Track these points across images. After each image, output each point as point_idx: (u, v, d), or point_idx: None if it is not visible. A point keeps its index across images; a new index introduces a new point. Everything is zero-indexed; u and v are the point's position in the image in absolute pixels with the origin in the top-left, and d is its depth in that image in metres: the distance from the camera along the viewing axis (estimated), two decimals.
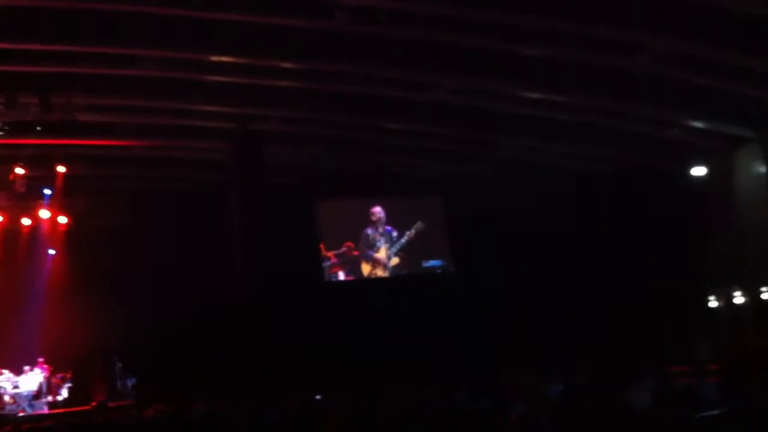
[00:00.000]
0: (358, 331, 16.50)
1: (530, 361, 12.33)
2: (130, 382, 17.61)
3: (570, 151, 18.42)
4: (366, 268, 18.72)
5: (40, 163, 17.04)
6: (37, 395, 17.00)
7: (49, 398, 17.10)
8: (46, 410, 16.64)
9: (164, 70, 14.52)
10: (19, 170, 16.89)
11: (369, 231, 18.77)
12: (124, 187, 18.91)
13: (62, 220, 18.50)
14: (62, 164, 17.17)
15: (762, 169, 16.90)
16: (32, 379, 17.12)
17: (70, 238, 18.80)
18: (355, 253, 18.70)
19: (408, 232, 18.62)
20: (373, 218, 18.75)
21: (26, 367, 17.15)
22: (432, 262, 18.96)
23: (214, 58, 14.41)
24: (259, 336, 15.54)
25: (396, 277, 18.54)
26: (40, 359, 17.34)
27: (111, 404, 16.05)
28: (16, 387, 16.86)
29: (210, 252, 16.57)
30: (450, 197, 18.90)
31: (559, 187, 17.90)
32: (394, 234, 18.72)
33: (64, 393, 17.34)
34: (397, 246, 18.69)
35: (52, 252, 19.08)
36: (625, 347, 14.55)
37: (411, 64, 14.52)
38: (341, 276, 18.74)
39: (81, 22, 12.76)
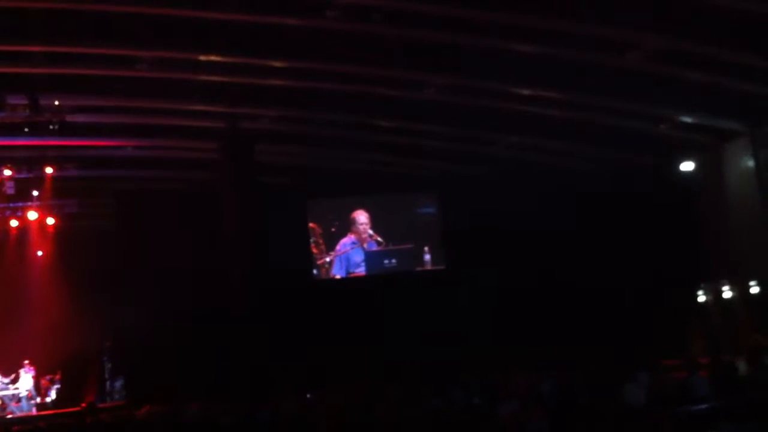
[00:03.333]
0: (353, 330, 16.47)
1: (523, 358, 12.34)
2: (119, 383, 17.56)
3: (561, 147, 18.46)
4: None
5: (29, 164, 16.96)
6: (29, 397, 16.94)
7: (38, 399, 17.04)
8: (34, 412, 16.58)
9: (155, 70, 14.45)
10: (7, 172, 16.80)
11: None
12: (114, 187, 18.82)
13: (50, 221, 18.42)
14: (51, 165, 17.09)
15: (751, 162, 16.98)
16: (23, 381, 17.06)
17: (60, 239, 18.72)
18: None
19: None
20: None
21: (21, 370, 17.10)
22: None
23: (204, 58, 14.37)
24: (251, 336, 15.50)
25: (391, 276, 18.50)
26: (26, 361, 17.26)
27: (100, 405, 16.01)
28: (3, 389, 16.80)
29: (202, 252, 16.50)
30: (444, 196, 18.88)
31: (550, 185, 17.91)
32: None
33: (53, 394, 17.29)
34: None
35: (40, 253, 19.01)
36: (617, 343, 14.59)
37: (404, 62, 14.51)
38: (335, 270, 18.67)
39: (70, 22, 12.70)
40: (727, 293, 17.64)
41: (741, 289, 17.23)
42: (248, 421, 8.86)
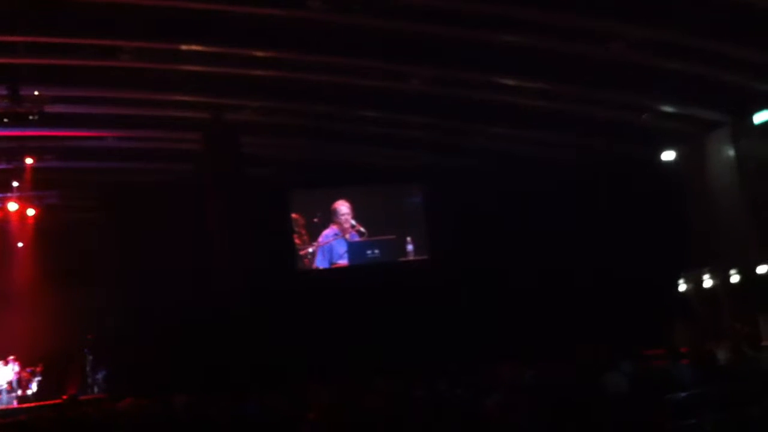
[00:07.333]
0: (338, 322, 16.45)
1: (507, 349, 12.40)
2: (101, 376, 17.48)
3: (543, 138, 18.52)
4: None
5: (9, 155, 16.81)
6: (10, 390, 16.82)
7: (19, 392, 16.94)
8: (15, 404, 16.48)
9: (137, 60, 14.35)
10: None
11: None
12: (95, 179, 18.67)
13: (31, 212, 18.25)
14: (31, 156, 16.93)
15: (732, 152, 17.12)
16: (3, 374, 16.93)
17: (41, 230, 18.55)
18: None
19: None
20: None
21: (1, 363, 16.97)
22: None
23: (187, 48, 14.29)
24: (233, 327, 15.45)
25: (374, 267, 18.49)
26: (11, 357, 17.13)
27: (82, 398, 15.93)
28: None
29: (184, 243, 16.39)
30: (427, 186, 18.85)
31: (533, 176, 17.93)
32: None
33: (34, 387, 17.18)
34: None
35: (20, 244, 18.84)
36: (599, 333, 14.68)
37: (386, 54, 14.51)
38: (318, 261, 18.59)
39: (51, 13, 12.58)
40: (707, 282, 17.82)
41: (722, 277, 17.41)
42: (234, 413, 8.84)
